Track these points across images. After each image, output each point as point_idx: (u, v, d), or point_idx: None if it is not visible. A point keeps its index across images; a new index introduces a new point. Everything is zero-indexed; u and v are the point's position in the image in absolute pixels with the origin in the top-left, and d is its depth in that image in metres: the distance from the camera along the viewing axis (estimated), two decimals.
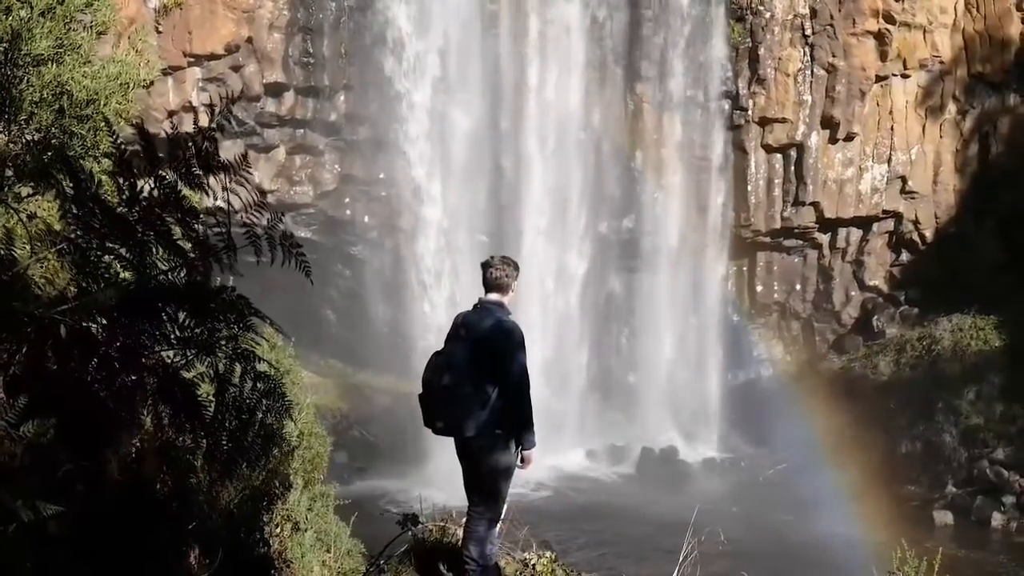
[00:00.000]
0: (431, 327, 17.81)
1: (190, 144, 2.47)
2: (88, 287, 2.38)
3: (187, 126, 14.44)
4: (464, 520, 5.82)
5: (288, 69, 18.51)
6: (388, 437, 18.05)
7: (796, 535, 14.67)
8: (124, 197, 2.41)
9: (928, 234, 21.43)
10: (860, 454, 17.82)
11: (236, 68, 18.09)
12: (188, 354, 2.77)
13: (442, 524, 6.44)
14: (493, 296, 5.73)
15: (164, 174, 2.43)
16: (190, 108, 17.46)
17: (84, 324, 2.35)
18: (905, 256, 21.76)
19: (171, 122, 15.75)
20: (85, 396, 2.42)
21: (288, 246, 2.71)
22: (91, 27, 6.00)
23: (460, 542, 5.85)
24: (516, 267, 5.83)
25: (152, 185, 2.45)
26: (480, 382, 5.44)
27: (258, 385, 3.04)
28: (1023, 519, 16.09)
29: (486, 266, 5.79)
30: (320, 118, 19.05)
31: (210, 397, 2.94)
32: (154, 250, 2.51)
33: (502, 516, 5.80)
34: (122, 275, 2.48)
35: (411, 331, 19.06)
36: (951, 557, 15.00)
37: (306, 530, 5.58)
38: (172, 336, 2.69)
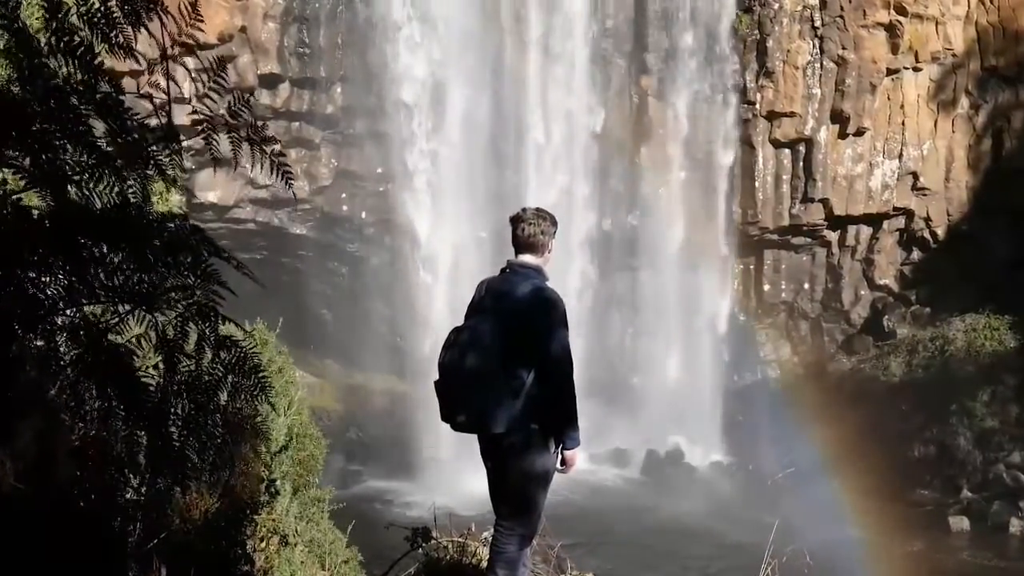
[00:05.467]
0: (430, 327, 17.32)
1: None
2: None
3: (179, 118, 13.90)
4: (489, 536, 4.82)
5: (283, 60, 18.00)
6: (386, 439, 17.56)
7: (812, 542, 14.08)
8: (24, 75, 1.71)
9: (940, 232, 20.91)
10: (871, 457, 17.36)
11: (230, 58, 17.58)
12: (121, 310, 2.02)
13: (461, 540, 5.42)
14: (527, 257, 4.59)
15: (70, 26, 1.71)
16: (182, 100, 16.87)
17: None
18: (916, 254, 21.24)
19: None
20: None
21: (260, 140, 1.99)
22: None
23: (484, 563, 4.84)
24: (554, 222, 4.70)
25: (58, 50, 1.73)
26: (512, 365, 4.35)
27: (221, 354, 2.24)
28: None
29: (517, 220, 4.66)
30: (316, 111, 18.51)
31: (153, 370, 2.19)
32: (63, 152, 1.80)
33: (538, 531, 4.73)
34: (11, 186, 1.79)
35: (410, 331, 18.55)
36: (971, 565, 14.58)
37: (295, 544, 4.87)
38: (97, 284, 1.93)
